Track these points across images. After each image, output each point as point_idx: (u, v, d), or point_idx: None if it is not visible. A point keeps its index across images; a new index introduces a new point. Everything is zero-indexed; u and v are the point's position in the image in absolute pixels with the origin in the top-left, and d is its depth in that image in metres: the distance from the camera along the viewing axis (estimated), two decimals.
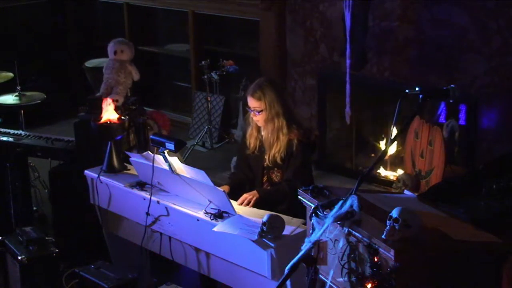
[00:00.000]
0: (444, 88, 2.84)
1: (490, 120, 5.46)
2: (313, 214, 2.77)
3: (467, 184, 3.41)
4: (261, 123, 4.18)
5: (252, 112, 4.18)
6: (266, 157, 4.20)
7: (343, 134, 6.55)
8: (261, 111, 4.13)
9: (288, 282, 2.65)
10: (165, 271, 4.61)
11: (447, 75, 5.61)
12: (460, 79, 5.50)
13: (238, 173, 4.42)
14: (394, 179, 5.63)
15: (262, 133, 4.25)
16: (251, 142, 4.28)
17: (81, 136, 5.07)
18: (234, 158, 5.09)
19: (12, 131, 5.52)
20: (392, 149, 5.85)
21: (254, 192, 4.13)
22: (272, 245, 3.47)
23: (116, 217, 4.50)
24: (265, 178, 4.28)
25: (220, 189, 3.87)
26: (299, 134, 4.14)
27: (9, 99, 6.06)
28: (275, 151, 4.14)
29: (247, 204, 4.00)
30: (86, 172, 4.54)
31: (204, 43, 7.81)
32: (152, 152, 4.04)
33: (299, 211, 3.93)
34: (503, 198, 3.17)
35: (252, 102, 4.16)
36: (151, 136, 4.24)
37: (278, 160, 4.15)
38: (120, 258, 4.63)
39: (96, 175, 4.43)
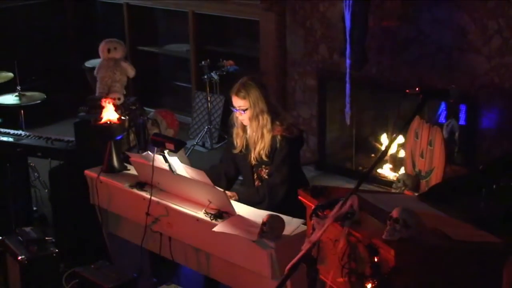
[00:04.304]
0: (444, 88, 2.84)
1: (490, 120, 5.46)
2: (313, 214, 2.77)
3: (467, 184, 3.40)
4: (246, 121, 4.21)
5: (237, 112, 4.21)
6: (252, 155, 4.22)
7: (343, 134, 6.55)
8: (246, 109, 4.16)
9: (288, 282, 2.65)
10: (165, 271, 4.61)
11: (447, 75, 5.62)
12: (460, 79, 5.51)
13: (218, 168, 4.45)
14: (394, 179, 5.64)
15: (248, 132, 4.27)
16: (238, 141, 4.31)
17: (81, 136, 5.06)
18: None
19: (12, 131, 5.51)
20: (392, 149, 5.86)
21: (234, 193, 4.20)
22: (272, 245, 3.47)
23: (116, 217, 4.50)
24: (255, 176, 4.29)
25: (220, 189, 3.88)
26: (282, 130, 4.16)
27: (9, 99, 6.06)
28: (259, 148, 4.17)
29: None
30: (86, 172, 4.54)
31: (204, 43, 7.81)
32: (152, 152, 4.04)
33: (277, 206, 4.01)
34: (503, 198, 3.17)
35: (236, 101, 4.19)
36: (151, 136, 4.24)
37: (264, 157, 4.17)
38: (120, 258, 4.63)
39: (96, 175, 4.43)
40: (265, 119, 4.15)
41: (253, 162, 4.24)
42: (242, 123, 4.26)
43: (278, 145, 4.15)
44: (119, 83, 5.30)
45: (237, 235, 3.58)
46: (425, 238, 2.58)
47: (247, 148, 4.28)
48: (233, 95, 4.21)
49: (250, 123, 4.20)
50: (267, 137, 4.16)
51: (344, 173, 6.40)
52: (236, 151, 4.32)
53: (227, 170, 4.40)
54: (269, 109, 4.18)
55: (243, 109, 4.17)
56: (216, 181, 4.20)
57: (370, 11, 5.73)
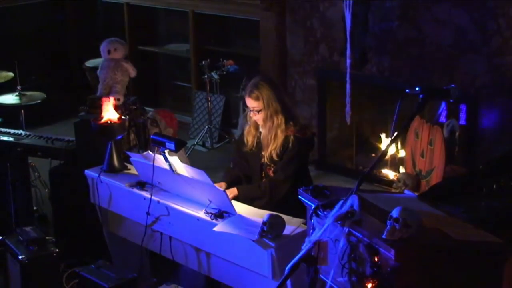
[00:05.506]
0: (444, 88, 2.84)
1: (490, 120, 5.47)
2: (313, 214, 2.77)
3: (467, 184, 3.41)
4: (260, 122, 4.21)
5: (251, 112, 4.20)
6: (264, 153, 4.22)
7: (343, 134, 6.56)
8: (260, 110, 4.15)
9: (288, 282, 2.65)
10: (165, 271, 4.61)
11: (447, 75, 5.62)
12: (460, 79, 5.51)
13: (234, 169, 4.45)
14: (394, 179, 5.64)
15: (261, 130, 4.26)
16: (249, 139, 4.30)
17: (81, 136, 5.06)
18: None
19: (12, 131, 5.51)
20: (392, 149, 5.86)
21: (234, 189, 4.19)
22: (272, 245, 3.47)
23: (116, 217, 4.50)
24: (262, 174, 4.29)
25: (221, 189, 3.88)
26: (295, 130, 4.16)
27: (9, 99, 6.05)
28: (272, 148, 4.16)
29: None
30: (86, 172, 4.54)
31: (204, 43, 7.81)
32: (153, 152, 4.04)
33: (277, 206, 3.99)
34: (503, 198, 3.17)
35: (250, 102, 4.19)
36: (151, 136, 4.24)
37: (275, 156, 4.17)
38: (120, 258, 4.63)
39: (96, 175, 4.43)
40: (280, 119, 4.14)
41: (264, 161, 4.24)
42: (255, 122, 4.26)
43: (290, 144, 4.14)
44: (120, 84, 5.30)
45: (237, 234, 3.58)
46: (425, 238, 2.58)
47: (257, 146, 4.28)
48: (246, 96, 4.20)
49: (264, 124, 4.19)
50: (281, 137, 4.15)
51: (344, 172, 6.40)
52: (246, 149, 4.31)
53: (243, 170, 4.39)
54: (283, 108, 4.17)
55: (257, 110, 4.16)
56: (237, 184, 4.24)
57: (370, 11, 5.74)
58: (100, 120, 4.44)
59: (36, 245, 4.34)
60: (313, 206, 2.83)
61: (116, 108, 4.52)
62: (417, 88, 2.77)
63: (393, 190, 5.16)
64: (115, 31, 8.03)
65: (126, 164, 4.50)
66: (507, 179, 3.25)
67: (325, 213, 2.71)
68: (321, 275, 2.78)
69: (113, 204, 4.42)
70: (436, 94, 2.93)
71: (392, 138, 2.97)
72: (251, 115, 4.23)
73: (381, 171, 6.11)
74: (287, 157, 4.15)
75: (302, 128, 4.21)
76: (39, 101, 6.13)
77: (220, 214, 3.80)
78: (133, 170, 4.39)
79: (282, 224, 3.52)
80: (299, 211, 3.38)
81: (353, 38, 5.58)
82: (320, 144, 6.56)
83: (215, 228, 3.68)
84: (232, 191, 4.18)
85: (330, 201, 2.76)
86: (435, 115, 5.60)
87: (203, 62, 7.16)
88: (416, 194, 3.34)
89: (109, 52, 5.36)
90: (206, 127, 7.32)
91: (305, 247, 2.59)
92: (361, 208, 2.64)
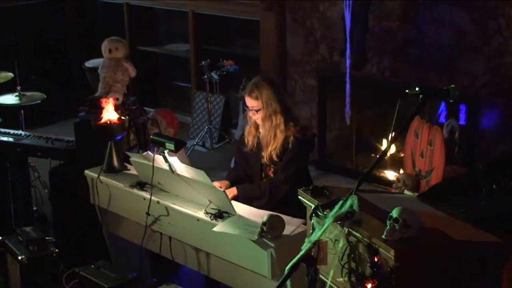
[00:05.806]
0: (444, 88, 2.84)
1: (490, 120, 5.47)
2: (313, 214, 2.77)
3: (467, 184, 3.41)
4: (259, 121, 4.21)
5: (251, 111, 4.20)
6: (264, 154, 4.22)
7: (343, 134, 6.56)
8: (259, 110, 4.15)
9: (288, 282, 2.65)
10: (165, 271, 4.61)
11: (447, 75, 5.62)
12: (460, 79, 5.51)
13: (237, 169, 4.45)
14: (394, 179, 5.64)
15: (261, 130, 4.26)
16: (249, 140, 4.30)
17: (81, 136, 5.06)
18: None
19: (12, 131, 5.51)
20: (392, 149, 5.86)
21: (233, 189, 4.19)
22: (272, 245, 3.47)
23: (116, 217, 4.50)
24: (263, 175, 4.29)
25: (220, 189, 3.88)
26: (295, 131, 4.15)
27: (9, 99, 6.05)
28: (271, 148, 4.16)
29: None
30: (86, 172, 4.54)
31: (204, 43, 7.82)
32: (152, 152, 4.04)
33: (277, 206, 3.99)
34: (503, 198, 3.17)
35: (249, 102, 4.19)
36: (151, 136, 4.24)
37: (274, 157, 4.16)
38: (120, 258, 4.63)
39: (96, 175, 4.43)
40: (278, 119, 4.14)
41: (264, 161, 4.24)
42: (255, 122, 4.26)
43: (290, 145, 4.14)
44: (120, 84, 5.30)
45: (237, 235, 3.58)
46: (425, 238, 2.58)
47: (257, 146, 4.27)
48: (246, 95, 4.20)
49: (263, 123, 4.19)
50: (280, 137, 4.14)
51: (344, 172, 6.40)
52: (246, 149, 4.31)
53: (246, 171, 4.39)
54: (282, 109, 4.16)
55: (256, 109, 4.16)
56: (240, 183, 4.24)
57: (370, 11, 5.74)
58: (100, 120, 4.44)
59: (36, 245, 4.34)
60: (313, 206, 2.83)
61: (116, 108, 4.52)
62: (417, 88, 2.77)
63: (393, 190, 5.16)
64: (115, 31, 8.03)
65: (126, 164, 4.50)
66: (507, 179, 3.25)
67: (324, 213, 2.71)
68: (320, 275, 2.78)
69: (113, 205, 4.42)
70: (436, 94, 2.93)
71: (392, 138, 2.97)
72: (250, 115, 4.23)
73: (381, 171, 6.11)
74: (287, 157, 4.15)
75: (303, 128, 4.20)
76: (39, 101, 6.12)
77: (220, 214, 3.80)
78: (133, 170, 4.39)
79: (282, 224, 3.52)
80: (299, 211, 3.38)
81: (353, 38, 5.58)
82: (320, 144, 6.56)
83: (215, 228, 3.68)
84: (232, 191, 4.18)
85: (330, 201, 2.76)
86: (434, 115, 5.61)
87: (203, 62, 7.16)
88: (416, 194, 3.34)
89: (110, 51, 5.36)
90: (206, 127, 7.32)
91: (304, 247, 2.59)
92: (361, 208, 2.65)
